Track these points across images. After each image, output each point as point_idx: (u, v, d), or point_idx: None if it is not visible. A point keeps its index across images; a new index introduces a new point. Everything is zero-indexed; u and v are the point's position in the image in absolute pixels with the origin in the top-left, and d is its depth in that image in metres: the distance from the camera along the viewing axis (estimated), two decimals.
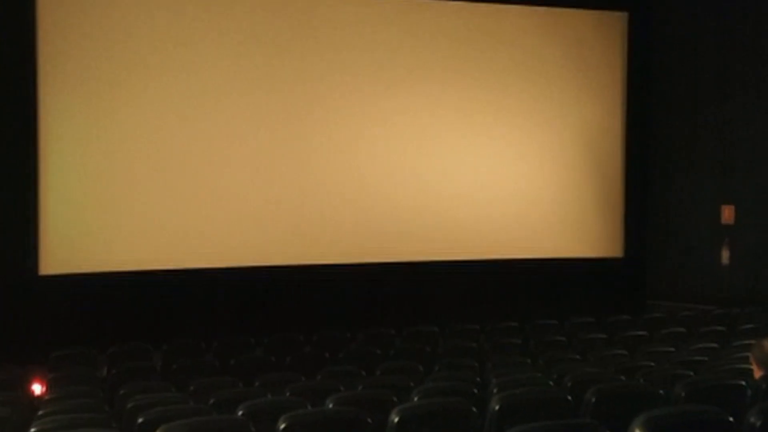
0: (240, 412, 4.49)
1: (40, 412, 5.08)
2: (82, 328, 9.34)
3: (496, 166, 11.65)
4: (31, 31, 9.51)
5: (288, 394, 5.38)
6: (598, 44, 12.17)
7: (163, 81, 10.13)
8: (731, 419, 3.60)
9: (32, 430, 4.48)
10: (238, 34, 10.47)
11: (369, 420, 4.11)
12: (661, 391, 4.59)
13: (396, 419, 4.00)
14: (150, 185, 10.05)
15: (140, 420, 4.48)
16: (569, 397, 4.44)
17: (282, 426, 3.96)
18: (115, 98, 9.92)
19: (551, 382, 5.49)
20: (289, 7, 10.75)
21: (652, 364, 6.17)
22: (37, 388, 6.86)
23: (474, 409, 4.21)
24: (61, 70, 9.66)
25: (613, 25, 12.26)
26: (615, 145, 12.29)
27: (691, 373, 5.53)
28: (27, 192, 9.52)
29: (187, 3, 10.33)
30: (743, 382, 4.73)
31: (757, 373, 5.02)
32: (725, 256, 11.10)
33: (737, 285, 10.87)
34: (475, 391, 5.20)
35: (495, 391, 4.95)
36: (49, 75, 9.58)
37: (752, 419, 3.68)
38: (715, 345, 7.18)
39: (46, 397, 6.04)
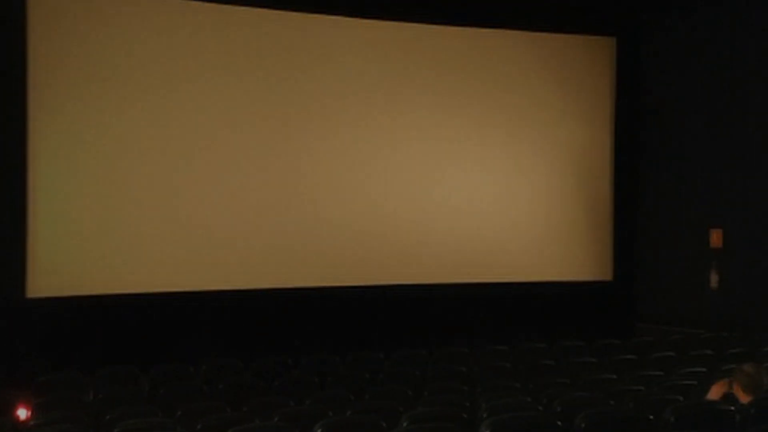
0: None
1: None
2: (69, 351, 9.27)
3: (485, 190, 11.68)
4: (21, 46, 9.41)
5: (276, 419, 5.34)
6: (587, 69, 12.27)
7: (153, 104, 10.12)
8: None
9: None
10: (231, 55, 10.51)
11: None
12: (650, 416, 4.58)
13: None
14: (138, 209, 10.02)
15: None
16: (559, 422, 4.42)
17: None
18: (104, 120, 9.90)
19: (540, 407, 5.47)
20: (281, 30, 10.78)
21: (642, 388, 6.16)
22: (23, 413, 6.78)
23: None
24: (51, 84, 9.58)
25: (601, 50, 12.36)
26: (604, 169, 12.34)
27: (681, 398, 5.52)
28: (15, 214, 9.46)
29: (183, 20, 10.32)
30: (732, 407, 4.73)
31: (744, 399, 5.02)
32: (714, 279, 11.13)
33: (726, 309, 10.88)
34: (465, 415, 5.17)
35: (485, 415, 4.93)
36: (38, 91, 9.49)
37: None
38: (703, 369, 7.18)
39: (32, 423, 5.97)
